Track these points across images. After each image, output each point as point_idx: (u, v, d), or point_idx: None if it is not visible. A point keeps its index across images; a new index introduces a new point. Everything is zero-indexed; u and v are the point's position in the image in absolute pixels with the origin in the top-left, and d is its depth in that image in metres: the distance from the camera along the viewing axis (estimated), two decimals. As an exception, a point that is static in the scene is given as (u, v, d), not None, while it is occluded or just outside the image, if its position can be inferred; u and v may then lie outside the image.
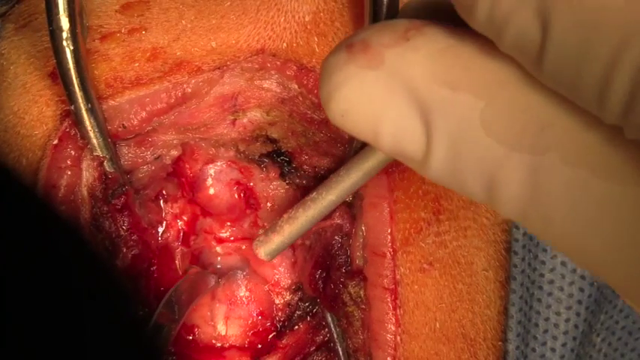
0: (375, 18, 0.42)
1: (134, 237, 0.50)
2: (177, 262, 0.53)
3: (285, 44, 0.48)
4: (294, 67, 0.48)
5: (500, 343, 0.49)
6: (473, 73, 0.32)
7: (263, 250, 0.48)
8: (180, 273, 0.53)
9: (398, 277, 0.48)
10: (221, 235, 0.54)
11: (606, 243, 0.29)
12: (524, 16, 0.29)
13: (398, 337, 0.48)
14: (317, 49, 0.48)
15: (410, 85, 0.33)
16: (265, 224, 0.53)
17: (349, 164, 0.44)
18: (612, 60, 0.26)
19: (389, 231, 0.48)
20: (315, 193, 0.46)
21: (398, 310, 0.48)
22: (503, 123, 0.31)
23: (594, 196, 0.30)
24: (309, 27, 0.47)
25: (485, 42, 0.31)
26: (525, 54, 0.29)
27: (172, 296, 0.50)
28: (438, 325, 0.48)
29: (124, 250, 0.50)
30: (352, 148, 0.48)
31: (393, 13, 0.42)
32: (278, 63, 0.48)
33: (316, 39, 0.47)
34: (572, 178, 0.30)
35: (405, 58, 0.33)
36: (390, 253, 0.48)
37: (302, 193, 0.52)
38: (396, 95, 0.33)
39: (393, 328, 0.48)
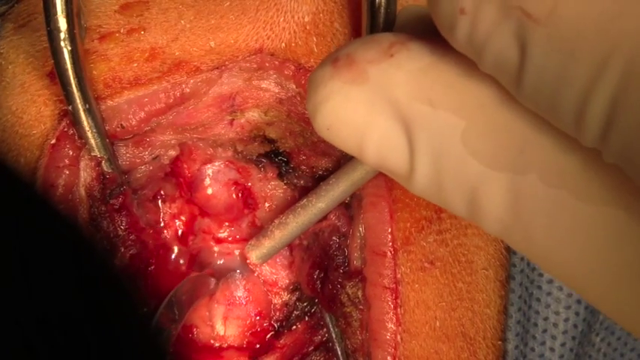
0: (373, 21, 0.43)
1: (132, 237, 0.51)
2: (175, 262, 0.54)
3: (283, 44, 0.48)
4: (292, 67, 0.49)
5: (499, 342, 0.49)
6: (455, 91, 0.33)
7: (254, 255, 0.49)
8: (179, 273, 0.54)
9: (399, 276, 0.48)
10: (219, 235, 0.54)
11: (585, 262, 0.30)
12: (502, 39, 0.29)
13: (398, 336, 0.48)
14: (315, 49, 0.48)
15: (393, 101, 0.33)
16: (263, 224, 0.53)
17: (339, 173, 0.46)
18: (588, 87, 0.27)
19: (389, 230, 0.48)
20: (305, 200, 0.47)
21: (399, 310, 0.48)
22: (484, 142, 0.32)
23: (573, 217, 0.30)
24: (308, 27, 0.47)
25: (468, 59, 0.32)
26: (505, 75, 0.30)
27: (173, 297, 0.50)
28: (438, 324, 0.48)
29: (122, 249, 0.51)
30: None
31: (391, 17, 0.43)
32: (276, 62, 0.49)
33: (315, 39, 0.48)
34: (551, 198, 0.31)
35: (388, 75, 0.34)
36: (390, 252, 0.48)
37: (300, 193, 0.53)
38: (380, 111, 0.34)
39: (394, 327, 0.48)
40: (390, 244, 0.48)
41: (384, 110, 0.34)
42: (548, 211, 0.31)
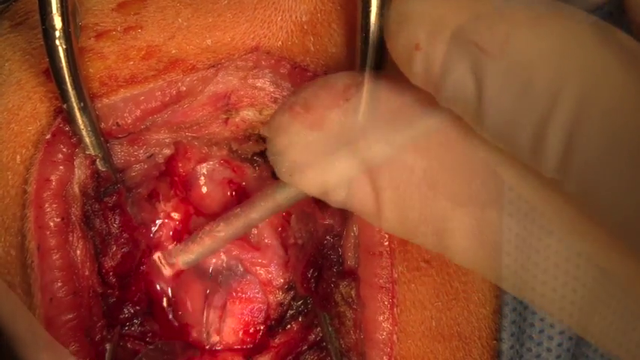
0: (366, 25, 0.44)
1: (125, 235, 0.53)
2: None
3: (280, 43, 0.50)
4: (288, 66, 0.50)
5: (494, 341, 0.50)
6: (413, 130, 0.35)
7: (182, 259, 0.51)
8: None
9: (395, 275, 0.49)
10: (214, 234, 0.55)
11: (554, 291, 0.32)
12: (459, 74, 0.31)
13: (394, 336, 0.50)
14: (312, 49, 0.50)
15: (353, 146, 0.35)
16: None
17: (277, 185, 0.46)
18: (544, 118, 0.29)
19: (380, 230, 0.49)
20: (239, 210, 0.48)
21: (395, 309, 0.49)
22: (446, 180, 0.34)
23: (536, 247, 0.32)
24: (305, 27, 0.49)
25: (427, 95, 0.34)
26: (463, 109, 0.32)
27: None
28: (434, 324, 0.50)
29: (114, 248, 0.52)
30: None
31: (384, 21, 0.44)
32: (272, 61, 0.50)
33: (312, 38, 0.49)
34: (514, 230, 0.33)
35: (345, 120, 0.36)
36: (386, 252, 0.49)
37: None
38: (341, 156, 0.36)
39: (390, 327, 0.50)
40: (387, 243, 0.49)
41: (345, 154, 0.35)
42: (512, 242, 0.33)
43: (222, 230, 0.49)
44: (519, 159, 0.31)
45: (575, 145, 0.28)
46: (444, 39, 0.31)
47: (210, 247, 0.50)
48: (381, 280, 0.49)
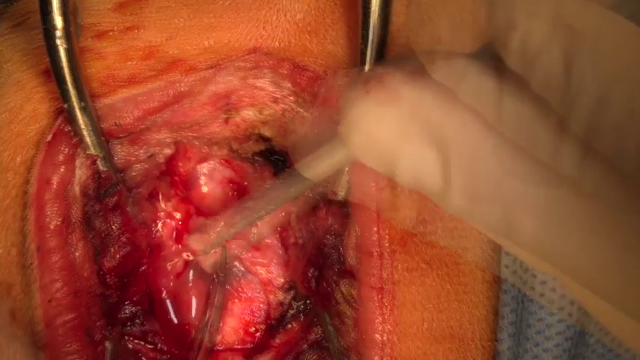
0: (366, 23, 0.44)
1: (125, 236, 0.53)
2: (170, 261, 0.55)
3: (278, 43, 0.50)
4: (289, 66, 0.50)
5: (493, 342, 0.50)
6: (493, 111, 0.35)
7: (200, 247, 0.52)
8: (174, 273, 0.55)
9: (395, 276, 0.49)
10: (215, 233, 0.55)
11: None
12: (552, 55, 0.31)
13: (394, 337, 0.50)
14: (311, 48, 0.50)
15: (426, 125, 0.35)
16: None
17: (287, 174, 0.47)
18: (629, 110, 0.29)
19: (387, 231, 0.49)
20: (251, 202, 0.49)
21: (395, 310, 0.49)
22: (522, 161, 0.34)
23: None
24: (300, 25, 0.49)
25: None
26: (552, 94, 0.32)
27: None
28: (433, 325, 0.50)
29: (114, 249, 0.52)
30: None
31: (386, 18, 0.44)
32: (272, 62, 0.50)
33: (309, 37, 0.49)
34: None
35: (417, 96, 0.36)
36: (386, 253, 0.49)
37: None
38: (415, 135, 0.36)
39: (389, 328, 0.50)
40: (387, 244, 0.49)
41: (417, 131, 0.36)
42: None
43: (239, 222, 0.49)
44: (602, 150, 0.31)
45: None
46: (543, 19, 0.31)
47: (225, 235, 0.50)
48: (380, 281, 0.50)
